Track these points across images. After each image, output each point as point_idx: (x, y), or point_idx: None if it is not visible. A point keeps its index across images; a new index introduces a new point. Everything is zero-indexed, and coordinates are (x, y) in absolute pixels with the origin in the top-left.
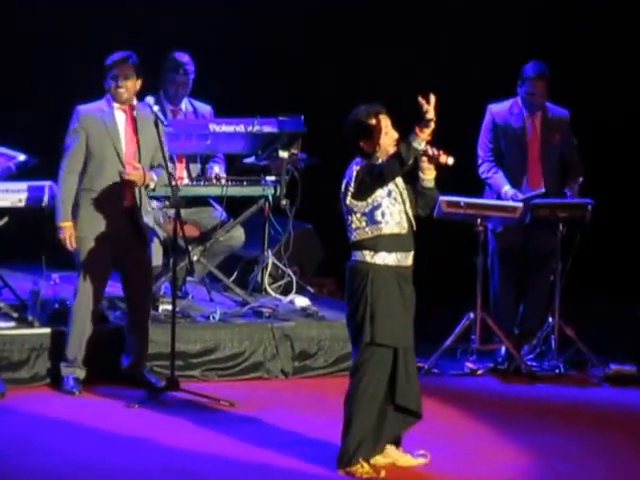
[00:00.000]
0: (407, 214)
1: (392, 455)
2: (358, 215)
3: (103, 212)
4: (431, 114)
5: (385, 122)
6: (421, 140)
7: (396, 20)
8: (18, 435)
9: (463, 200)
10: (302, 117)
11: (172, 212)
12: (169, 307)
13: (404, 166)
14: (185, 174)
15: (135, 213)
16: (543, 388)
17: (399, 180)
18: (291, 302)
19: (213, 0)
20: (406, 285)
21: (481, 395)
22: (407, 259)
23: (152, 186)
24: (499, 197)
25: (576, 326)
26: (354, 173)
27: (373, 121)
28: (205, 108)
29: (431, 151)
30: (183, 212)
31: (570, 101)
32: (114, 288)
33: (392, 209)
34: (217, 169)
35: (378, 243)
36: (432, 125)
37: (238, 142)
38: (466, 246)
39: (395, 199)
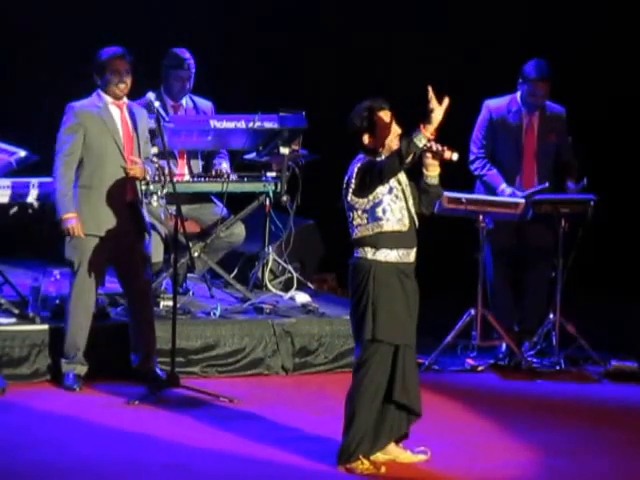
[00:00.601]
0: (409, 211)
1: (392, 452)
2: (359, 212)
3: (105, 208)
4: (434, 108)
5: (388, 118)
6: (422, 137)
7: (396, 17)
8: (18, 431)
9: (464, 196)
10: (303, 113)
11: (173, 208)
12: (170, 303)
13: (403, 163)
14: (186, 170)
15: (136, 207)
16: (543, 384)
17: (402, 176)
18: (292, 298)
19: None
20: (408, 282)
21: (481, 391)
22: (409, 256)
23: (148, 179)
24: (493, 194)
25: (577, 322)
26: (355, 169)
27: (376, 117)
28: (206, 104)
29: (435, 147)
30: (184, 208)
31: (570, 97)
32: (115, 284)
33: (393, 206)
34: (225, 165)
35: (379, 240)
36: (436, 122)
37: (239, 138)
38: (467, 242)
39: (397, 196)
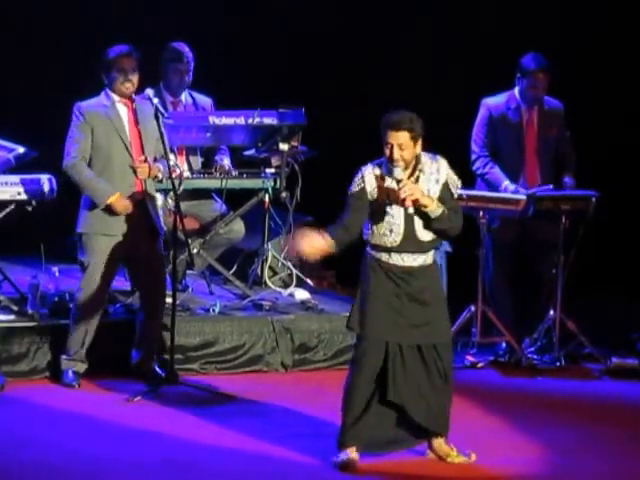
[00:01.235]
0: (408, 224)
1: (441, 449)
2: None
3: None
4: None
5: (393, 140)
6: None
7: (397, 13)
8: (17, 428)
9: (465, 192)
10: (303, 109)
11: (172, 205)
12: (169, 300)
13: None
14: (185, 166)
15: (145, 206)
16: (544, 381)
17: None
18: (291, 295)
19: None
20: (405, 283)
21: (482, 388)
22: (413, 260)
23: (160, 177)
24: (497, 192)
25: (577, 319)
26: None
27: (384, 134)
28: (205, 100)
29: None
30: (183, 205)
31: (569, 93)
32: (115, 282)
33: (391, 220)
34: (226, 161)
35: (379, 245)
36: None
37: (238, 134)
38: (467, 238)
39: (386, 213)
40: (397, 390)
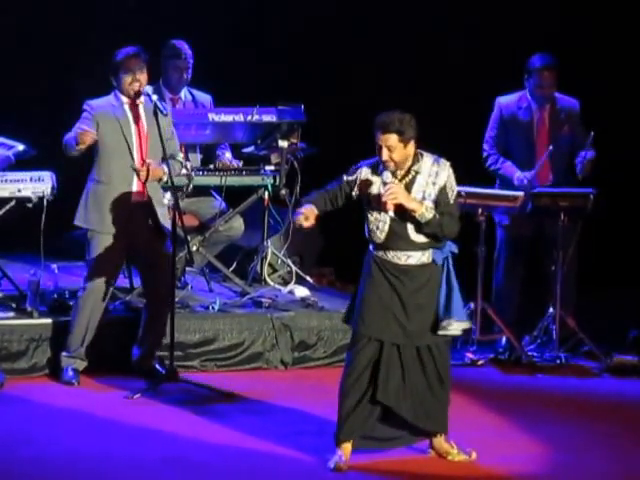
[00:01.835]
0: (396, 222)
1: (441, 447)
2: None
3: (111, 205)
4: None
5: (382, 142)
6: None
7: (400, 10)
8: (17, 425)
9: (464, 190)
10: (302, 106)
11: (171, 202)
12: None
13: None
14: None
15: (148, 206)
16: (544, 379)
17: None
18: (290, 292)
19: None
20: (399, 282)
21: (482, 386)
22: (408, 258)
23: (165, 179)
24: (512, 187)
25: (577, 316)
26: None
27: (374, 134)
28: (205, 97)
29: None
30: (182, 202)
31: (573, 92)
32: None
33: (370, 218)
34: (228, 155)
35: (372, 241)
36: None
37: (237, 131)
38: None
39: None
40: (386, 391)
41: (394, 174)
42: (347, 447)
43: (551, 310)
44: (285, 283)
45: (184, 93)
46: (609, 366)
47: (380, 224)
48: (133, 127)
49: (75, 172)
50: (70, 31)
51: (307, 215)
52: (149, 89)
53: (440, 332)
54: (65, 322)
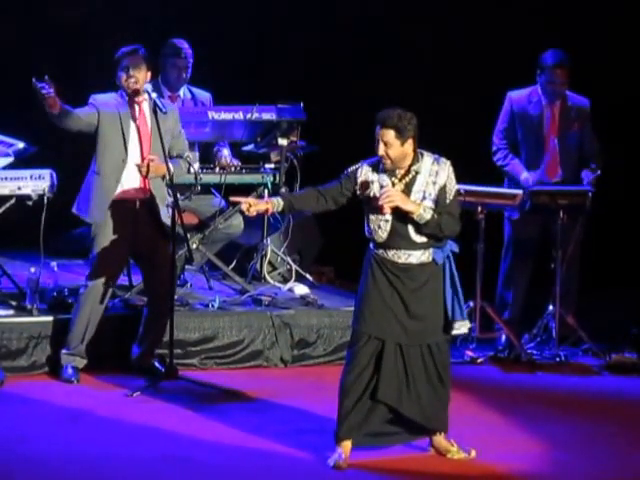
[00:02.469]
0: (398, 221)
1: (440, 445)
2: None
3: (117, 200)
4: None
5: (380, 137)
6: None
7: (400, 8)
8: (16, 423)
9: (463, 188)
10: (301, 104)
11: (171, 200)
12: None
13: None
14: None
15: (151, 203)
16: (543, 377)
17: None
18: (290, 290)
19: None
20: (407, 281)
21: (481, 383)
22: (408, 257)
23: (168, 177)
24: (518, 185)
25: (577, 314)
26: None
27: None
28: (204, 95)
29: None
30: (182, 200)
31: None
32: None
33: (371, 217)
34: (226, 152)
35: (374, 240)
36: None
37: (237, 129)
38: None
39: (372, 212)
40: (386, 389)
41: (394, 173)
42: (347, 445)
43: (551, 308)
44: (285, 281)
45: (183, 91)
46: (609, 364)
47: (382, 223)
48: (132, 123)
49: (75, 170)
50: (70, 30)
51: (250, 203)
52: (148, 86)
53: (453, 332)
54: (65, 320)
